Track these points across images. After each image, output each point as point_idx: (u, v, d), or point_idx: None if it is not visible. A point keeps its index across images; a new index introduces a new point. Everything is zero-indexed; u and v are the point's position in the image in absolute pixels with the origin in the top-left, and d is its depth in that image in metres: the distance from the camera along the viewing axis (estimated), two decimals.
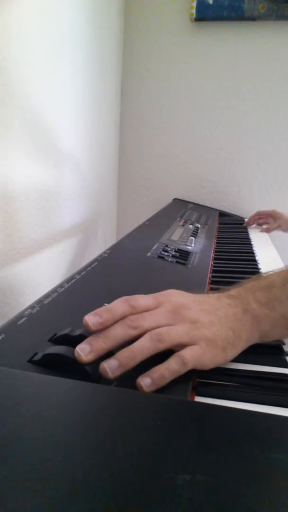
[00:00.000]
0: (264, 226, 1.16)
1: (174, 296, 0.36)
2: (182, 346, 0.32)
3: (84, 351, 0.29)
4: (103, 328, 0.31)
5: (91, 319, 0.31)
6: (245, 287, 0.40)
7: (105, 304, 0.42)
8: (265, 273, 0.43)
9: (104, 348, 0.30)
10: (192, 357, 0.31)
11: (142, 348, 0.30)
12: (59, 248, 1.04)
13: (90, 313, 0.31)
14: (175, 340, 0.32)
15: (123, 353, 0.30)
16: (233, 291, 0.39)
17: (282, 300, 0.37)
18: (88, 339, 0.30)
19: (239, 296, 0.38)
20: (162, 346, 0.31)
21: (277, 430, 0.21)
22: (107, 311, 0.32)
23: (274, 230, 1.13)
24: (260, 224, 1.19)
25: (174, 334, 0.32)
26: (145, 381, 0.29)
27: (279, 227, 1.13)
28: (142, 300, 0.34)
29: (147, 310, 0.34)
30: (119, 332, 0.31)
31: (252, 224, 1.20)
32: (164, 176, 1.49)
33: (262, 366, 0.36)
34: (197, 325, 0.33)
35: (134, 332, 0.31)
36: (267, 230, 1.13)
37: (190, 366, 0.31)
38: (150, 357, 0.30)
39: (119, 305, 0.33)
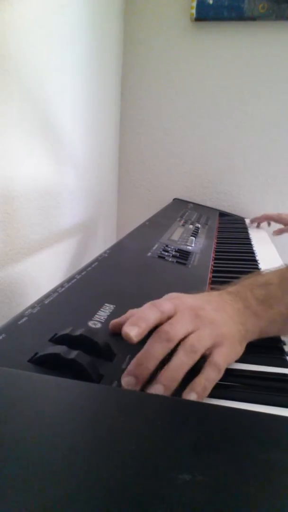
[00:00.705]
0: (273, 230, 1.17)
1: (185, 298, 0.37)
2: (208, 349, 0.32)
3: (131, 385, 0.29)
4: (142, 337, 0.31)
5: (131, 330, 0.31)
6: (243, 284, 0.40)
7: (107, 305, 0.42)
8: (261, 271, 0.44)
9: (149, 374, 0.29)
10: (224, 360, 0.32)
11: (182, 364, 0.30)
12: (59, 248, 1.04)
13: (126, 324, 0.31)
14: (205, 347, 0.32)
15: (165, 375, 0.29)
16: (231, 288, 0.40)
17: (278, 298, 0.38)
18: (130, 368, 0.30)
19: (238, 293, 0.39)
20: (197, 357, 0.31)
21: (277, 430, 0.21)
22: (142, 319, 0.32)
23: (285, 233, 1.15)
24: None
25: (203, 340, 0.32)
26: (191, 397, 0.29)
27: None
28: (167, 305, 0.35)
29: (170, 314, 0.34)
30: (159, 351, 0.31)
31: (258, 225, 1.20)
32: (164, 176, 1.49)
33: (262, 366, 0.36)
34: (217, 325, 0.34)
35: (171, 346, 0.31)
36: (279, 232, 1.14)
37: (223, 368, 0.32)
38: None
39: (150, 312, 0.33)
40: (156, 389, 0.29)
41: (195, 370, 0.31)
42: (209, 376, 0.31)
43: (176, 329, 0.32)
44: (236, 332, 0.35)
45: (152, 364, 0.30)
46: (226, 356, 0.33)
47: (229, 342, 0.34)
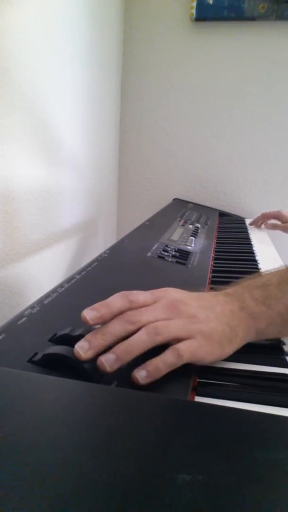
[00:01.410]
0: (270, 222, 1.16)
1: (171, 292, 0.37)
2: (179, 340, 0.32)
3: (83, 349, 0.29)
4: (101, 322, 0.31)
5: (89, 313, 0.31)
6: (242, 285, 0.40)
7: None
8: (261, 272, 0.44)
9: (103, 344, 0.30)
10: (188, 349, 0.31)
11: (139, 341, 0.30)
12: (59, 248, 1.04)
13: (87, 307, 0.32)
14: (172, 334, 0.32)
15: (120, 347, 0.30)
16: (230, 289, 0.40)
17: (278, 298, 0.38)
18: (87, 336, 0.30)
19: (236, 293, 0.39)
20: (159, 339, 0.31)
21: (277, 430, 0.21)
22: (105, 305, 0.32)
23: (278, 229, 1.14)
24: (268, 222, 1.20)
25: (171, 327, 0.32)
26: (141, 373, 0.29)
27: (286, 228, 1.13)
28: (140, 295, 0.34)
29: (145, 305, 0.34)
30: (117, 328, 0.31)
31: (260, 226, 1.19)
32: (164, 176, 1.49)
33: (262, 366, 0.36)
34: (194, 320, 0.34)
35: (132, 327, 0.31)
36: (272, 227, 1.13)
37: (185, 359, 0.31)
38: (148, 353, 0.30)
39: (117, 300, 0.33)
40: (108, 357, 0.29)
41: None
42: (165, 358, 0.30)
43: (143, 314, 0.32)
44: (218, 333, 0.34)
45: (107, 338, 0.30)
46: (193, 349, 0.32)
47: (203, 339, 0.33)
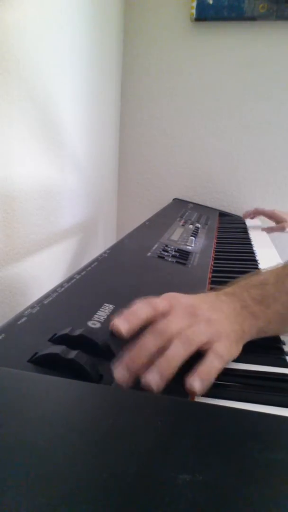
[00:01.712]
0: (267, 226, 1.16)
1: (179, 298, 0.37)
2: (206, 344, 0.32)
3: (124, 378, 0.28)
4: (132, 333, 0.31)
5: (122, 324, 0.31)
6: (239, 284, 0.40)
7: (106, 305, 0.42)
8: (257, 271, 0.44)
9: (139, 366, 0.29)
10: (225, 350, 0.32)
11: (176, 353, 0.30)
12: (59, 248, 1.04)
13: (116, 318, 0.32)
14: (202, 340, 0.32)
15: (161, 363, 0.29)
16: (228, 289, 0.40)
17: (276, 297, 0.38)
18: (125, 361, 0.29)
19: (235, 293, 0.39)
20: (192, 349, 0.31)
21: (277, 430, 0.21)
22: (134, 315, 0.32)
23: (276, 231, 1.13)
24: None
25: (199, 334, 0.32)
26: (197, 383, 0.29)
27: (283, 229, 1.13)
28: (159, 302, 0.35)
29: (165, 312, 0.34)
30: (151, 343, 0.31)
31: (250, 217, 1.21)
32: (164, 176, 1.49)
33: (262, 366, 0.36)
34: (213, 323, 0.34)
35: (164, 341, 0.31)
36: (270, 230, 1.12)
37: (226, 360, 0.32)
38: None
39: (142, 307, 0.33)
40: (151, 376, 0.29)
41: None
42: (212, 364, 0.31)
43: (171, 325, 0.32)
44: (232, 332, 0.35)
45: (145, 358, 0.30)
46: (227, 349, 0.33)
47: (226, 339, 0.34)
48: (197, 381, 0.29)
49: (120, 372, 0.29)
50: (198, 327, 0.33)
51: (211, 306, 0.36)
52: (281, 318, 0.38)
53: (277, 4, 1.21)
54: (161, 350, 0.30)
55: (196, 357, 0.32)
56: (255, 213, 1.20)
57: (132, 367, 0.29)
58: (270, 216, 1.17)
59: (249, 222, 1.23)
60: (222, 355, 0.32)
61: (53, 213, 0.97)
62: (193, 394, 0.29)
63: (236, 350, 0.35)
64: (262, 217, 1.23)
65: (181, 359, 0.30)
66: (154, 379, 0.28)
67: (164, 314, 0.34)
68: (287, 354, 0.39)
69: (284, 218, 1.14)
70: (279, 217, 1.14)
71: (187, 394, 0.29)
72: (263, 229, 1.15)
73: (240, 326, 0.36)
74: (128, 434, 0.20)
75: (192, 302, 0.36)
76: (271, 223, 1.18)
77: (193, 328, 0.33)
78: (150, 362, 0.30)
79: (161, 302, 0.35)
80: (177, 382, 0.30)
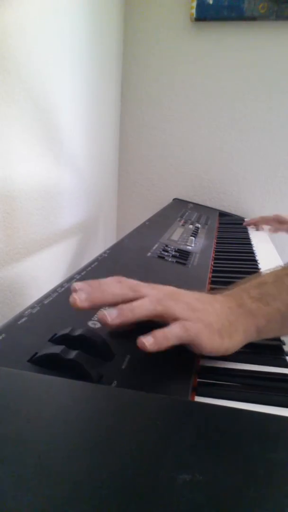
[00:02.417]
0: (268, 227, 1.15)
1: (169, 286, 0.37)
2: (178, 319, 0.32)
3: (80, 297, 0.28)
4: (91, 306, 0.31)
5: (80, 284, 0.30)
6: (239, 287, 0.40)
7: None
8: (257, 274, 0.44)
9: (101, 300, 0.29)
10: (193, 328, 0.31)
11: (142, 305, 0.30)
12: (59, 248, 1.04)
13: (79, 282, 0.31)
14: (173, 310, 0.32)
15: (123, 305, 0.29)
16: (228, 291, 0.40)
17: (275, 295, 0.38)
18: (84, 288, 0.29)
19: (233, 293, 0.39)
20: (160, 308, 0.31)
21: (277, 430, 0.21)
22: (98, 282, 0.32)
23: (281, 232, 1.13)
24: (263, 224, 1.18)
25: (173, 305, 0.32)
26: (148, 339, 0.29)
27: (286, 230, 1.12)
28: (136, 282, 0.34)
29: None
30: (117, 290, 0.30)
31: (253, 226, 1.18)
32: (164, 176, 1.49)
33: (262, 366, 0.36)
34: (193, 308, 0.34)
35: (131, 294, 0.31)
36: (275, 230, 1.12)
37: (192, 335, 0.31)
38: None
39: (111, 279, 0.33)
40: (111, 311, 0.29)
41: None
42: (173, 329, 0.30)
43: (142, 287, 0.32)
44: (217, 324, 0.34)
45: (105, 296, 0.29)
46: (197, 329, 0.31)
47: (204, 325, 0.32)
48: (150, 338, 0.29)
49: (79, 294, 0.29)
50: (175, 303, 0.32)
51: (201, 299, 0.36)
52: (281, 317, 0.37)
53: (277, 4, 1.20)
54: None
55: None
56: (260, 222, 1.17)
57: (92, 294, 0.29)
58: (274, 220, 1.15)
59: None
60: (188, 328, 0.31)
61: (53, 213, 0.97)
62: (143, 349, 0.29)
63: (219, 342, 0.33)
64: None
65: (144, 312, 0.30)
66: (112, 313, 0.29)
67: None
68: (287, 354, 0.39)
69: (286, 220, 1.13)
70: (283, 219, 1.13)
71: (139, 348, 0.29)
72: (270, 230, 1.14)
73: (230, 322, 0.35)
74: (128, 434, 0.20)
75: (179, 290, 0.36)
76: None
77: (168, 298, 0.32)
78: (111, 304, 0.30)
79: (140, 283, 0.34)
80: (177, 382, 0.30)
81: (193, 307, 0.34)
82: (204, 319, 0.33)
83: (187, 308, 0.33)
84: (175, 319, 0.32)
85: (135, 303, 0.30)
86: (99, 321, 0.28)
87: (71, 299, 0.28)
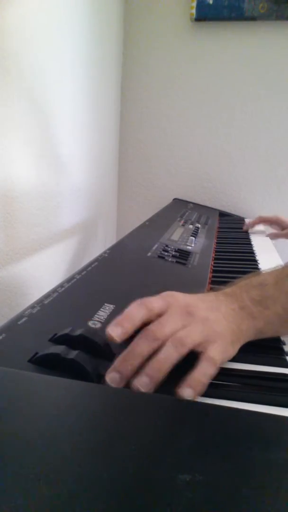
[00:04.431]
0: (271, 232, 1.13)
1: (178, 296, 0.37)
2: (200, 345, 0.32)
3: (115, 381, 0.28)
4: (127, 337, 0.31)
5: (115, 330, 0.31)
6: (239, 285, 0.40)
7: (106, 305, 0.42)
8: (257, 272, 0.44)
9: (134, 369, 0.29)
10: (219, 355, 0.32)
11: (168, 356, 0.30)
12: (59, 248, 1.04)
13: (110, 324, 0.31)
14: (195, 342, 0.32)
15: (152, 366, 0.29)
16: (228, 289, 0.40)
17: (275, 298, 0.38)
18: (116, 364, 0.29)
19: (234, 294, 0.39)
20: (185, 351, 0.31)
21: (277, 430, 0.21)
22: (127, 319, 0.32)
23: (281, 238, 1.10)
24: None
25: (192, 335, 0.32)
26: (188, 392, 0.29)
27: (286, 236, 1.10)
28: (154, 303, 0.34)
29: (160, 312, 0.34)
30: (144, 348, 0.31)
31: (253, 227, 1.16)
32: (164, 176, 1.49)
33: (262, 366, 0.36)
34: (209, 323, 0.34)
35: (157, 344, 0.31)
36: (275, 236, 1.09)
37: (219, 364, 0.32)
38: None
39: (136, 310, 0.33)
40: (141, 379, 0.29)
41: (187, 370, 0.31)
42: (205, 370, 0.30)
43: (164, 328, 0.32)
44: (229, 333, 0.35)
45: (136, 361, 0.30)
46: (221, 353, 0.32)
47: (221, 340, 0.33)
48: (188, 391, 0.29)
49: (112, 375, 0.29)
50: (192, 328, 0.33)
51: (209, 305, 0.36)
52: (280, 320, 0.38)
53: (277, 4, 1.20)
54: (154, 353, 0.30)
55: (193, 358, 0.32)
56: (258, 222, 1.15)
57: (124, 370, 0.29)
58: (275, 222, 1.13)
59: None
60: (216, 360, 0.31)
61: (53, 213, 0.97)
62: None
63: (232, 351, 0.35)
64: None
65: (172, 362, 0.30)
66: (144, 382, 0.28)
67: (159, 314, 0.34)
68: (287, 354, 0.39)
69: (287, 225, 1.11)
70: (284, 223, 1.11)
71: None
72: (268, 235, 1.12)
73: (237, 326, 0.36)
74: (128, 434, 0.20)
75: (189, 301, 0.36)
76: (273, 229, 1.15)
77: (187, 329, 0.32)
78: (142, 365, 0.30)
79: (157, 302, 0.34)
80: (176, 382, 0.30)
81: (207, 322, 0.34)
82: (219, 332, 0.34)
83: (204, 327, 0.33)
84: (199, 346, 0.32)
85: (161, 359, 0.30)
86: (134, 391, 0.28)
87: (108, 381, 0.28)
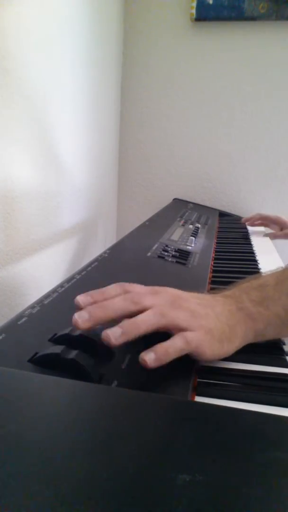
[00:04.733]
0: (270, 232, 1.12)
1: (170, 289, 0.37)
2: (180, 330, 0.32)
3: (82, 318, 0.28)
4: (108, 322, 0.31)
5: (83, 299, 0.31)
6: (239, 287, 0.40)
7: None
8: (258, 274, 0.44)
9: (103, 317, 0.29)
10: (194, 338, 0.31)
11: (146, 319, 0.30)
12: (59, 248, 1.04)
13: (82, 294, 0.31)
14: (176, 320, 0.32)
15: (127, 322, 0.29)
16: (228, 291, 0.40)
17: (275, 299, 0.38)
18: (87, 307, 0.30)
19: (234, 295, 0.39)
20: (164, 321, 0.31)
21: (277, 430, 0.21)
22: (101, 293, 0.32)
23: (280, 238, 1.10)
24: (261, 225, 1.16)
25: (174, 314, 0.32)
26: (150, 356, 0.29)
27: (286, 236, 1.09)
28: (137, 287, 0.34)
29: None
30: (119, 304, 0.30)
31: (252, 225, 1.16)
32: (164, 176, 1.49)
33: (262, 366, 0.36)
34: (195, 315, 0.33)
35: (134, 307, 0.31)
36: (273, 237, 1.09)
37: (193, 347, 0.31)
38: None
39: (113, 288, 0.33)
40: (114, 330, 0.28)
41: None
42: (174, 343, 0.30)
43: (145, 298, 0.32)
44: (218, 330, 0.34)
45: (108, 312, 0.29)
46: (198, 339, 0.31)
47: (205, 333, 0.32)
48: (151, 354, 0.29)
49: (82, 313, 0.28)
50: (177, 311, 0.32)
51: (202, 302, 0.36)
52: (280, 321, 0.37)
53: (277, 4, 1.20)
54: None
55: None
56: (258, 219, 1.14)
57: (93, 313, 0.29)
58: (275, 221, 1.12)
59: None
60: (190, 340, 0.31)
61: (53, 213, 0.97)
62: (145, 366, 0.29)
63: (221, 350, 0.34)
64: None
65: (148, 326, 0.30)
66: (115, 332, 0.28)
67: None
68: (287, 354, 0.39)
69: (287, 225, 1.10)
70: (284, 223, 1.10)
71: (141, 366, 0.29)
72: (266, 235, 1.11)
73: (230, 327, 0.35)
74: (128, 434, 0.20)
75: (181, 294, 0.36)
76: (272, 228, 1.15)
77: (172, 310, 0.32)
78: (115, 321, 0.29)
79: (141, 287, 0.34)
80: (177, 382, 0.30)
81: (195, 314, 0.33)
82: (205, 326, 0.33)
83: (190, 316, 0.33)
84: (179, 330, 0.32)
85: (138, 319, 0.30)
86: (103, 340, 0.28)
87: (73, 320, 0.28)
